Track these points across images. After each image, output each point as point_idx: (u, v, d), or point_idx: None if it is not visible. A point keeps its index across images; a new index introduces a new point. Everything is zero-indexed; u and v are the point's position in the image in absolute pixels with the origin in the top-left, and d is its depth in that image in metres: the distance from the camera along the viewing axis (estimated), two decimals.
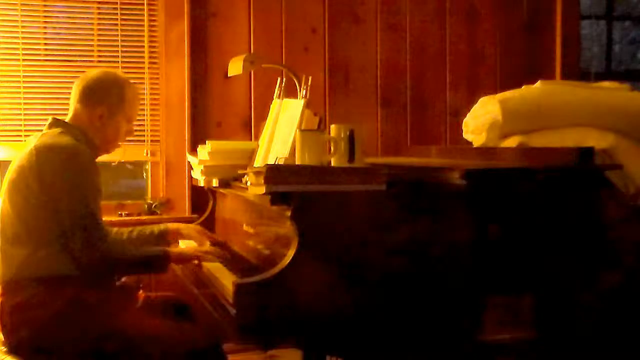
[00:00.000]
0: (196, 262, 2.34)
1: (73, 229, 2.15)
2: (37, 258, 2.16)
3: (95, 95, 2.34)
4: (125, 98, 2.37)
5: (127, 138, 2.49)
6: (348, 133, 2.01)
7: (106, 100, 2.34)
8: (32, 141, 2.28)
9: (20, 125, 3.21)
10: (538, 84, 2.88)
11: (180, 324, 2.34)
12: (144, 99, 3.37)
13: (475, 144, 2.84)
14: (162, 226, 2.60)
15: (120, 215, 3.32)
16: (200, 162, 2.67)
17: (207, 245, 2.47)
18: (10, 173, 2.27)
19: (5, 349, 2.19)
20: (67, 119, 2.37)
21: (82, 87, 2.35)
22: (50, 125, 2.33)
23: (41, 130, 2.36)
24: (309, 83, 2.45)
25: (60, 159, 2.18)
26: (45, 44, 3.29)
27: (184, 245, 2.61)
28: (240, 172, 2.46)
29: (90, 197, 2.19)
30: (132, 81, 2.49)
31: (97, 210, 2.22)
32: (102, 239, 2.18)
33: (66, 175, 2.17)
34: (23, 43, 3.24)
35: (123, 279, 2.44)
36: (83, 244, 2.14)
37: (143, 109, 3.37)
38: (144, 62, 3.39)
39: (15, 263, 2.18)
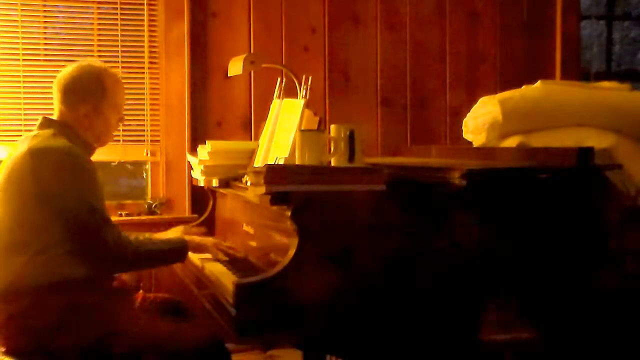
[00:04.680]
0: (208, 256, 2.35)
1: (86, 231, 2.12)
2: (35, 264, 2.10)
3: (76, 95, 2.25)
4: (107, 89, 2.28)
5: (121, 126, 2.41)
6: (348, 133, 2.02)
7: (87, 98, 2.25)
8: (24, 143, 2.20)
9: (20, 125, 3.21)
10: (538, 84, 2.88)
11: (180, 325, 2.33)
12: (143, 99, 3.37)
13: (475, 144, 2.84)
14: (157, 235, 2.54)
15: (120, 215, 3.32)
16: (200, 162, 2.67)
17: (223, 243, 2.45)
18: (1, 177, 2.19)
19: (3, 349, 2.18)
20: (55, 118, 2.29)
21: (60, 87, 2.27)
22: (42, 126, 2.26)
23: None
24: (309, 83, 2.45)
25: (57, 162, 2.13)
26: (45, 44, 3.29)
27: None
28: (240, 172, 2.47)
29: (92, 196, 2.14)
30: (110, 68, 2.37)
31: (103, 208, 2.17)
32: (117, 236, 2.14)
33: (64, 177, 2.12)
34: (23, 43, 3.24)
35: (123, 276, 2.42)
36: (100, 244, 2.11)
37: (143, 109, 3.37)
38: (144, 62, 3.39)
39: (13, 271, 2.12)
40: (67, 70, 2.31)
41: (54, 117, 2.30)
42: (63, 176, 2.13)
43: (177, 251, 2.28)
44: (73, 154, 2.16)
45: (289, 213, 1.82)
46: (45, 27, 3.30)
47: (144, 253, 2.21)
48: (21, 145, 2.22)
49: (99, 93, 2.27)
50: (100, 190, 2.20)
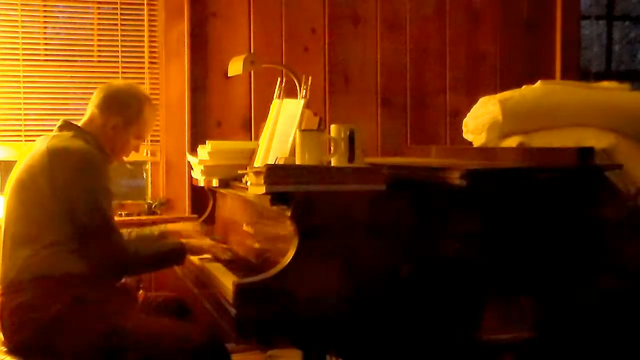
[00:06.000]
0: (208, 256, 2.37)
1: (88, 231, 2.17)
2: (39, 257, 2.16)
3: (114, 106, 2.36)
4: (142, 115, 2.40)
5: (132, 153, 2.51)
6: (348, 133, 2.02)
7: (123, 112, 2.36)
8: (43, 142, 2.27)
9: (20, 125, 3.21)
10: (538, 84, 2.88)
11: (181, 323, 2.34)
12: None
13: (475, 144, 2.84)
14: (161, 227, 2.62)
15: (120, 215, 3.32)
16: (200, 162, 2.67)
17: (219, 245, 2.47)
18: (17, 173, 2.27)
19: (5, 349, 2.18)
20: (80, 122, 2.38)
21: (103, 94, 2.38)
22: (62, 128, 2.34)
23: (45, 130, 2.37)
24: (309, 83, 2.45)
25: (74, 162, 2.20)
26: (45, 44, 3.29)
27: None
28: (240, 172, 2.47)
29: (104, 200, 2.22)
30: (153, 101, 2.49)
31: (110, 213, 2.25)
32: (117, 240, 2.21)
33: (80, 179, 2.19)
34: (23, 43, 3.24)
35: (123, 280, 2.44)
36: (99, 246, 2.18)
37: None
38: (144, 62, 3.40)
39: (18, 263, 2.18)
40: (117, 82, 2.49)
41: (82, 120, 2.39)
42: (78, 177, 2.19)
43: (175, 255, 2.33)
44: (90, 156, 2.24)
45: (289, 213, 1.82)
46: (45, 27, 3.30)
47: (143, 258, 2.28)
48: (40, 144, 2.29)
49: (135, 113, 2.39)
50: (110, 196, 2.28)
